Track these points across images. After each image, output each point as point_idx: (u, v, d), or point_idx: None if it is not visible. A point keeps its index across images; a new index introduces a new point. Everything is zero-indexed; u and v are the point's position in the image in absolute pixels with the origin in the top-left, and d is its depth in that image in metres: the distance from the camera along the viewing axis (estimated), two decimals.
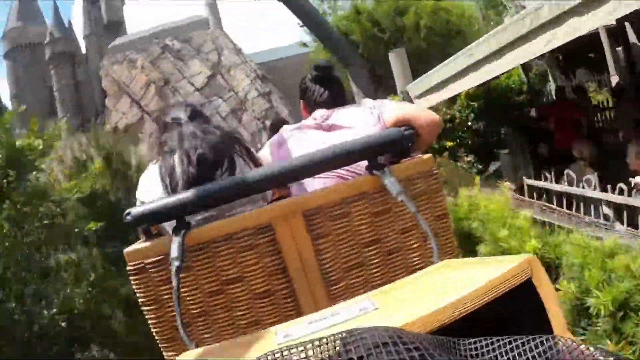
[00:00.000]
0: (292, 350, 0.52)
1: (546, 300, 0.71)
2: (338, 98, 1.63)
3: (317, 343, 0.52)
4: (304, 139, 1.49)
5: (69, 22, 61.10)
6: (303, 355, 0.51)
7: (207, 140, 1.30)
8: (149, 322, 1.18)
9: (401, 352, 0.46)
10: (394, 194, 1.14)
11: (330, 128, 1.49)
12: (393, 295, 0.87)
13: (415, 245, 1.24)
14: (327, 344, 0.51)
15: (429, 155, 1.30)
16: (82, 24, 59.86)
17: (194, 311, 1.15)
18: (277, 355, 0.52)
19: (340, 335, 0.52)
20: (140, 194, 1.38)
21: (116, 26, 61.65)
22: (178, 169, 1.25)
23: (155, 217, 1.17)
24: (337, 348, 0.51)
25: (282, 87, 49.76)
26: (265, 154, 1.59)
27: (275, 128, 3.29)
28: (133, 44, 52.96)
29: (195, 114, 1.43)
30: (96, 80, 54.19)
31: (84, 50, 58.08)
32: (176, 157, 1.27)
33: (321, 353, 0.51)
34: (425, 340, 0.49)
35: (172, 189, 1.25)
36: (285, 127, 1.65)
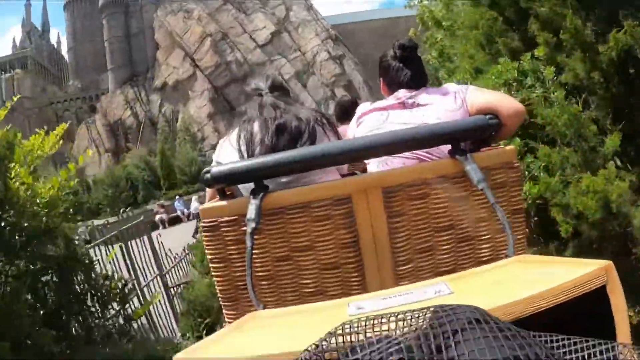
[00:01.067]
0: (378, 321, 0.56)
1: (616, 311, 0.75)
2: (422, 78, 1.72)
3: (402, 316, 0.56)
4: (386, 118, 1.61)
5: None
6: (393, 325, 0.55)
7: (287, 111, 1.45)
8: (215, 279, 1.32)
9: (494, 331, 0.51)
10: (474, 181, 1.22)
11: (414, 109, 1.60)
12: (467, 282, 0.93)
13: (486, 237, 1.31)
14: (417, 317, 0.56)
15: (511, 146, 1.51)
16: None
17: (261, 274, 1.27)
18: (362, 323, 0.56)
19: (431, 310, 0.56)
20: (219, 156, 1.54)
21: None
22: (257, 138, 1.41)
23: (234, 177, 1.30)
24: (426, 323, 0.55)
25: (357, 54, 47.98)
26: (344, 131, 1.77)
27: (343, 109, 3.27)
28: None
29: (276, 87, 1.61)
30: (149, 32, 54.55)
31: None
32: (255, 126, 1.44)
33: (409, 326, 0.55)
34: (508, 326, 0.53)
35: (249, 156, 1.40)
36: (364, 104, 1.79)
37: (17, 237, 2.42)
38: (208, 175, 1.27)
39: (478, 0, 3.84)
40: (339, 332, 0.55)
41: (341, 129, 2.88)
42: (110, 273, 3.65)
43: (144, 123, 51.44)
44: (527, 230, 1.47)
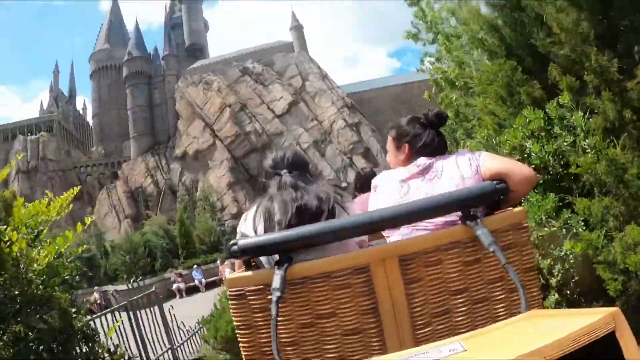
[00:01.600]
0: None
1: (627, 354, 0.80)
2: (444, 147, 1.80)
3: None
4: (407, 191, 1.65)
5: (155, 48, 65.12)
6: None
7: (308, 191, 1.53)
8: (241, 345, 1.37)
9: None
10: (486, 244, 1.30)
11: (433, 178, 1.66)
12: (481, 339, 0.97)
13: (501, 297, 1.37)
14: None
15: (520, 208, 1.49)
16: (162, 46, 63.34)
17: (286, 340, 1.33)
18: None
19: None
20: (243, 228, 1.61)
21: (197, 50, 65.26)
22: (275, 217, 1.48)
23: (260, 249, 1.39)
24: None
25: (373, 121, 48.81)
26: (364, 200, 1.88)
27: (362, 180, 3.46)
28: (211, 66, 55.40)
29: (294, 164, 1.65)
30: (170, 103, 56.75)
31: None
32: (275, 206, 1.51)
33: None
34: None
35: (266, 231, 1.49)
36: (382, 175, 1.81)
37: (8, 305, 2.22)
38: (235, 247, 1.36)
39: (494, 53, 3.75)
40: None
41: (360, 198, 2.82)
42: (114, 346, 3.39)
43: (164, 191, 52.28)
44: (540, 286, 1.51)
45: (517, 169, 1.59)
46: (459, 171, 1.64)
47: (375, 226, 1.44)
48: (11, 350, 2.13)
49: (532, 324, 1.02)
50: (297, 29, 56.52)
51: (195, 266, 24.09)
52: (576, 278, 3.03)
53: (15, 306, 2.22)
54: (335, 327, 1.32)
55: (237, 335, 1.38)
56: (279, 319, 1.27)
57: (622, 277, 2.46)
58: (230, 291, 1.36)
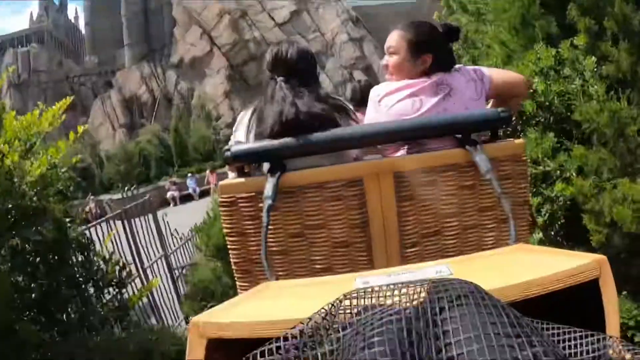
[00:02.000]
0: (382, 292, 0.61)
1: (607, 304, 0.78)
2: (454, 61, 1.70)
3: (404, 290, 0.60)
4: (420, 106, 1.55)
5: None
6: (396, 297, 0.60)
7: (301, 105, 1.43)
8: (231, 252, 1.39)
9: (487, 301, 0.54)
10: (483, 171, 1.27)
11: (445, 97, 1.56)
12: (468, 265, 0.98)
13: (491, 225, 1.38)
14: (418, 291, 0.60)
15: (521, 140, 1.47)
16: None
17: (275, 249, 1.34)
18: (368, 293, 0.61)
19: (429, 281, 0.61)
20: (237, 132, 1.59)
21: None
22: (268, 123, 1.43)
23: (253, 156, 1.39)
24: (423, 294, 0.59)
25: (378, 37, 47.14)
26: (371, 114, 1.64)
27: (360, 93, 3.11)
28: None
29: (295, 66, 1.54)
30: (167, 9, 54.18)
31: None
32: (269, 118, 1.44)
33: (410, 295, 0.60)
34: (501, 303, 0.56)
35: (258, 137, 1.45)
36: (384, 84, 1.65)
37: (4, 219, 2.25)
38: (228, 153, 1.34)
39: None
40: (346, 299, 0.61)
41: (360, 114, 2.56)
42: (109, 254, 3.50)
43: (159, 99, 51.51)
44: (531, 221, 1.52)
45: (518, 78, 1.71)
46: (467, 92, 1.58)
47: (372, 139, 1.43)
48: (9, 264, 2.19)
49: (520, 257, 1.03)
50: None
51: (189, 175, 24.41)
52: (562, 221, 3.09)
53: (10, 219, 2.25)
54: (324, 239, 1.33)
55: (227, 242, 1.39)
56: (269, 226, 1.27)
57: (607, 229, 2.50)
58: (221, 198, 1.36)
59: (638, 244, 2.67)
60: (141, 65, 54.32)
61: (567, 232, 3.32)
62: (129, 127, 50.23)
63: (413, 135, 1.44)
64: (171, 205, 22.84)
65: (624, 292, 2.86)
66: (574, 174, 2.74)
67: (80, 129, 3.34)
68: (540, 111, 3.02)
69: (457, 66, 1.66)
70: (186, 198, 23.42)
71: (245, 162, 1.40)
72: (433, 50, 1.61)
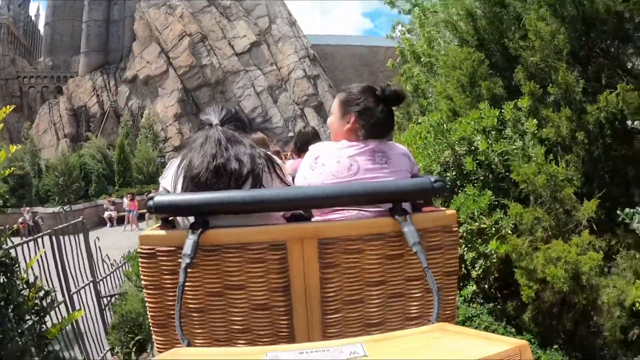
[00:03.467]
0: None
1: None
2: (391, 127, 1.69)
3: None
4: (357, 171, 1.54)
5: None
6: None
7: (231, 151, 1.42)
8: (148, 305, 1.32)
9: None
10: (410, 243, 1.25)
11: (383, 163, 1.56)
12: (385, 346, 0.94)
13: (417, 295, 1.35)
14: None
15: (452, 211, 1.41)
16: None
17: (193, 306, 1.29)
18: None
19: None
20: (164, 180, 1.52)
21: None
22: (194, 172, 1.40)
23: (176, 210, 1.33)
24: None
25: (332, 77, 48.16)
26: (305, 171, 1.61)
27: (303, 140, 3.25)
28: None
29: (229, 119, 1.54)
30: (129, 21, 53.30)
31: None
32: (195, 160, 1.41)
33: None
34: None
35: (185, 188, 1.41)
36: (323, 144, 1.65)
37: None
38: (151, 203, 1.30)
39: (465, 40, 3.72)
40: None
41: (296, 161, 2.61)
42: (33, 278, 3.24)
43: (108, 113, 49.93)
44: (457, 293, 1.51)
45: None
46: (404, 164, 1.59)
47: (300, 203, 1.38)
48: None
49: (440, 340, 1.01)
50: None
51: (129, 195, 23.51)
52: (495, 275, 3.18)
53: None
54: (244, 300, 1.28)
55: (145, 295, 1.33)
56: (187, 283, 1.22)
57: (538, 285, 2.58)
58: (141, 249, 1.30)
59: (568, 300, 2.77)
60: (94, 75, 52.70)
61: (500, 285, 3.41)
62: (74, 138, 48.22)
63: (343, 202, 1.39)
64: (107, 225, 21.85)
65: (555, 346, 2.93)
66: (509, 232, 2.83)
67: (3, 154, 3.12)
68: (479, 169, 3.12)
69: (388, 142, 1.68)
70: (123, 219, 22.51)
71: (168, 214, 1.35)
72: (359, 111, 1.61)
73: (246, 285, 1.28)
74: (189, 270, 1.21)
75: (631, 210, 2.42)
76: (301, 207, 1.47)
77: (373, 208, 1.47)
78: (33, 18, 74.21)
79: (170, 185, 1.46)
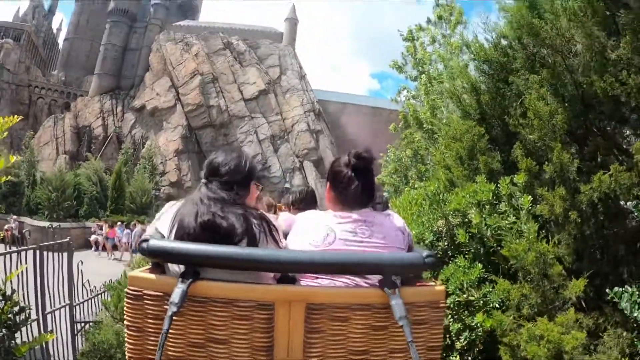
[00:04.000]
0: None
1: None
2: (370, 193, 1.67)
3: None
4: (333, 241, 1.55)
5: None
6: None
7: (223, 211, 1.45)
8: (127, 346, 1.32)
9: None
10: (396, 317, 1.26)
11: (363, 238, 1.56)
12: None
13: None
14: None
15: (441, 287, 1.44)
16: None
17: (172, 354, 1.27)
18: None
19: None
20: (159, 222, 1.53)
21: (189, 9, 63.01)
22: (185, 224, 1.43)
23: (168, 256, 1.34)
24: None
25: (334, 133, 48.94)
26: (292, 235, 1.64)
27: (302, 198, 3.40)
28: (197, 29, 53.97)
29: (232, 175, 1.56)
30: (145, 52, 54.69)
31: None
32: (188, 217, 1.45)
33: None
34: None
35: (178, 237, 1.43)
36: (313, 215, 1.70)
37: None
38: (145, 245, 1.30)
39: (468, 113, 3.83)
40: None
41: (289, 216, 2.71)
42: (10, 291, 3.18)
43: (110, 137, 50.23)
44: None
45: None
46: (395, 239, 1.59)
47: (288, 267, 1.39)
48: None
49: None
50: (292, 22, 56.08)
51: (119, 223, 23.24)
52: (480, 347, 3.12)
53: None
54: (225, 355, 1.27)
55: (126, 335, 1.33)
56: (170, 331, 1.22)
57: None
58: (128, 289, 1.30)
59: None
60: (103, 98, 53.44)
61: (483, 358, 3.35)
62: (73, 156, 48.28)
63: (332, 270, 1.42)
64: (93, 249, 21.48)
65: None
66: (496, 306, 2.81)
67: (2, 164, 3.12)
68: (472, 241, 3.14)
69: (388, 212, 1.72)
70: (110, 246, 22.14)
71: (160, 260, 1.37)
72: (331, 179, 1.70)
73: (229, 341, 1.27)
74: (174, 318, 1.20)
75: (620, 289, 2.42)
76: (294, 270, 1.47)
77: (361, 278, 1.51)
78: (55, 31, 75.90)
79: (166, 229, 1.48)
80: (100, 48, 57.67)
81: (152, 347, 1.27)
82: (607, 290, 2.41)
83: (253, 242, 1.43)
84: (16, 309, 3.06)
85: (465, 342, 2.90)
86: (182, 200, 1.55)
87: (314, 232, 1.58)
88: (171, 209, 1.54)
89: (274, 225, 1.53)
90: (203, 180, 1.56)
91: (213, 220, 1.42)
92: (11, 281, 3.34)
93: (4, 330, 3.05)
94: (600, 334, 2.50)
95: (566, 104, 3.10)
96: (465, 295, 2.96)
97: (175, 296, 1.21)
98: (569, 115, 3.06)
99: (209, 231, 1.40)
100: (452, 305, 3.09)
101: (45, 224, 18.54)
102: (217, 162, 1.59)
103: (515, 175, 3.12)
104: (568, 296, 2.54)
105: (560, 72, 3.18)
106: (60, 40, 69.89)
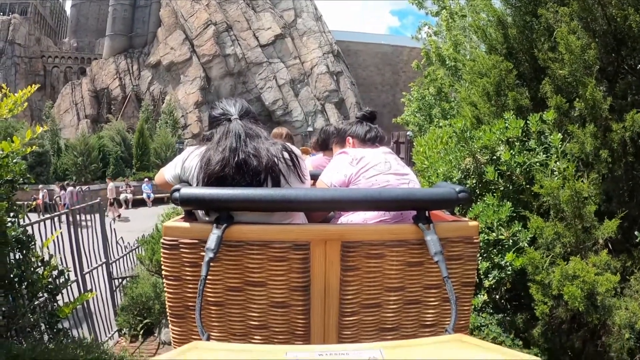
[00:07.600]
0: None
1: None
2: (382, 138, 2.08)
3: None
4: (390, 166, 1.78)
5: None
6: None
7: (250, 146, 1.45)
8: (167, 295, 1.34)
9: None
10: (432, 253, 1.26)
11: (396, 171, 1.77)
12: (403, 353, 0.95)
13: (434, 303, 1.37)
14: None
15: (475, 222, 1.42)
16: None
17: (211, 299, 1.31)
18: None
19: None
20: (187, 162, 1.53)
21: None
22: (215, 168, 1.42)
23: (202, 204, 1.33)
24: None
25: (355, 74, 47.98)
26: (321, 160, 1.97)
27: (326, 136, 3.31)
28: None
29: (246, 113, 1.58)
30: (155, 7, 53.71)
31: None
32: (216, 156, 1.44)
33: None
34: None
35: (204, 181, 1.44)
36: (362, 150, 1.87)
37: None
38: (177, 195, 1.30)
39: (494, 48, 3.67)
40: None
41: (317, 157, 2.95)
42: (48, 256, 3.31)
43: (129, 97, 50.45)
44: (472, 304, 1.55)
45: None
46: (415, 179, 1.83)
47: (328, 205, 1.41)
48: None
49: (456, 351, 1.02)
50: None
51: (146, 179, 23.77)
52: (507, 286, 3.15)
53: None
54: (263, 297, 1.29)
55: (164, 285, 1.34)
56: (208, 277, 1.23)
57: (552, 302, 2.55)
58: (164, 239, 1.31)
59: (579, 318, 2.73)
60: (118, 58, 53.27)
61: (510, 296, 3.37)
62: (94, 119, 48.83)
63: (367, 207, 1.44)
64: (123, 207, 22.14)
65: None
66: (526, 244, 2.80)
67: (29, 134, 3.17)
68: (500, 179, 3.08)
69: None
70: (139, 202, 22.78)
71: (193, 207, 1.36)
72: (350, 133, 2.14)
73: (266, 283, 1.28)
74: (211, 264, 1.21)
75: None
76: (328, 208, 1.51)
77: (396, 213, 1.57)
78: None
79: (191, 170, 1.49)
80: (109, 9, 56.86)
81: (191, 295, 1.30)
82: (635, 232, 2.35)
83: (277, 176, 1.44)
84: (55, 272, 3.20)
85: (494, 280, 2.92)
86: (203, 148, 1.52)
87: (374, 160, 1.79)
88: (197, 152, 1.53)
89: (299, 157, 1.53)
90: (235, 117, 1.54)
91: (247, 157, 1.43)
92: (48, 247, 3.48)
93: (45, 294, 3.21)
94: (627, 277, 2.47)
95: (597, 39, 2.93)
96: (494, 234, 2.95)
97: (212, 242, 1.22)
98: (601, 51, 2.90)
99: (240, 170, 1.41)
100: (480, 244, 3.10)
101: (76, 189, 19.07)
102: (233, 102, 1.61)
103: (545, 112, 3.02)
104: (599, 237, 2.50)
105: (592, 4, 2.99)
106: (68, 8, 69.07)
